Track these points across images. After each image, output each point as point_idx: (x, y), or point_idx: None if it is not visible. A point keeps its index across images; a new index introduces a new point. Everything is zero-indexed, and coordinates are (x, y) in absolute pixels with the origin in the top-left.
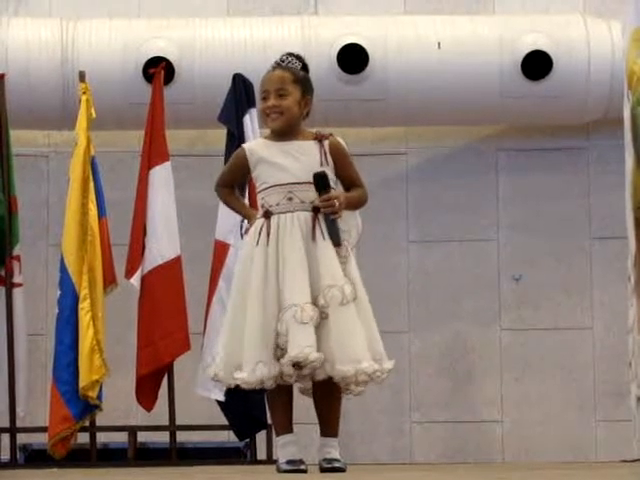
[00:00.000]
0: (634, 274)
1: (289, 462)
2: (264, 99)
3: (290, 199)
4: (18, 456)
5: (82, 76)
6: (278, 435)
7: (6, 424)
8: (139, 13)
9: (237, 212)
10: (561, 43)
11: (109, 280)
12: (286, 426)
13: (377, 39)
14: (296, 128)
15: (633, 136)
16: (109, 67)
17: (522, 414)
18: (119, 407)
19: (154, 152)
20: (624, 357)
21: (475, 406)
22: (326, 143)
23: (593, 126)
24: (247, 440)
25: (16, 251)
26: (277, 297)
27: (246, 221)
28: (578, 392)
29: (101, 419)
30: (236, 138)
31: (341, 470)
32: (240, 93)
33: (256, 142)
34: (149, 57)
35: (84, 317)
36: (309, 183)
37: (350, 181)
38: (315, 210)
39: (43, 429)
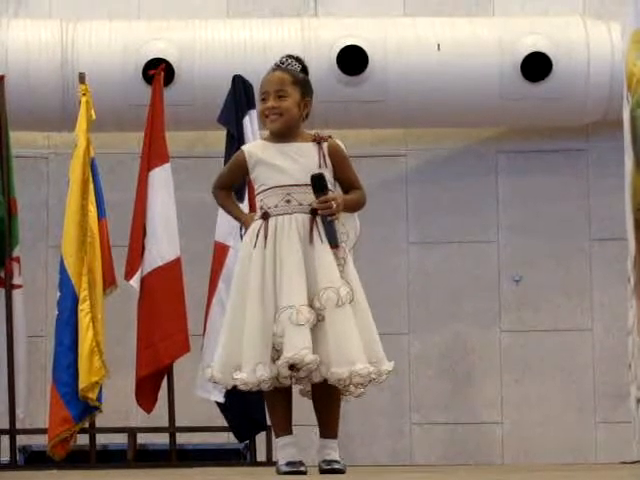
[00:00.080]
0: (634, 275)
1: (289, 464)
2: (263, 100)
3: (288, 201)
4: (18, 458)
5: (82, 78)
6: (277, 437)
7: (6, 425)
8: (139, 14)
9: (232, 216)
10: (561, 45)
11: (109, 281)
12: (285, 428)
13: (377, 41)
14: (295, 130)
15: (632, 138)
16: (109, 68)
17: (522, 416)
18: (119, 409)
19: (154, 153)
20: (624, 359)
21: (475, 408)
22: (325, 145)
23: (592, 128)
24: (247, 442)
25: (16, 253)
26: (274, 299)
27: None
28: (578, 394)
29: (101, 420)
30: (236, 139)
31: (341, 472)
32: (240, 94)
33: (255, 144)
34: (149, 58)
35: (84, 318)
36: (307, 185)
37: (349, 183)
38: (313, 212)
39: (43, 431)
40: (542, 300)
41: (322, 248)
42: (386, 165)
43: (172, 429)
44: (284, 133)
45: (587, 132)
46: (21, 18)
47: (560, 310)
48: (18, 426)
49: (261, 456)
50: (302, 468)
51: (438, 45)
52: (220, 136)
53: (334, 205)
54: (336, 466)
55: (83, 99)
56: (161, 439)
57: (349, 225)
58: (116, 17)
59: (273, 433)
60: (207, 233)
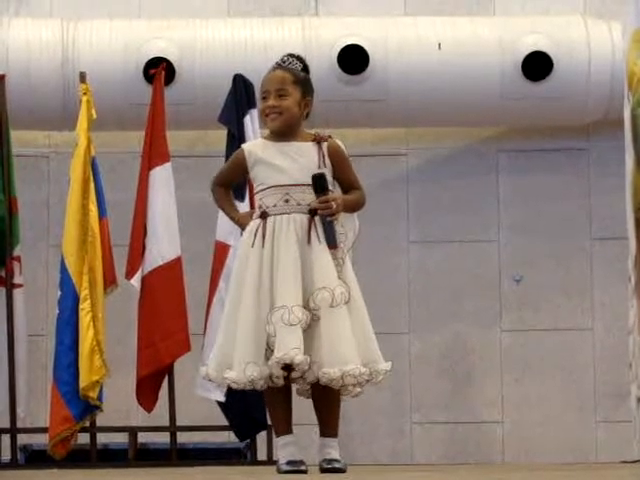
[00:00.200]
0: (634, 275)
1: (289, 463)
2: (264, 99)
3: (287, 201)
4: (18, 457)
5: (83, 77)
6: (278, 436)
7: (6, 425)
8: (140, 14)
9: (225, 213)
10: (561, 44)
11: (109, 281)
12: (286, 427)
13: (377, 40)
14: (295, 129)
15: (633, 137)
16: (110, 68)
17: (522, 415)
18: (119, 408)
19: (154, 153)
20: (624, 358)
21: (475, 407)
22: (324, 145)
23: (593, 127)
24: (247, 441)
25: (16, 252)
26: (270, 299)
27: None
28: (578, 393)
29: (101, 420)
30: (236, 139)
31: (341, 471)
32: (240, 94)
33: (255, 143)
34: (149, 58)
35: (84, 318)
36: (306, 185)
37: (348, 184)
38: (312, 212)
39: (43, 430)
40: (543, 299)
41: (320, 248)
42: (387, 164)
43: (173, 428)
44: (284, 132)
45: (588, 131)
46: (22, 17)
47: (561, 309)
48: (19, 425)
49: (262, 455)
50: (303, 467)
51: (439, 44)
52: (221, 135)
53: (334, 205)
54: (337, 465)
55: (84, 98)
56: (162, 438)
57: (348, 225)
58: (117, 16)
59: (273, 432)
60: (208, 232)
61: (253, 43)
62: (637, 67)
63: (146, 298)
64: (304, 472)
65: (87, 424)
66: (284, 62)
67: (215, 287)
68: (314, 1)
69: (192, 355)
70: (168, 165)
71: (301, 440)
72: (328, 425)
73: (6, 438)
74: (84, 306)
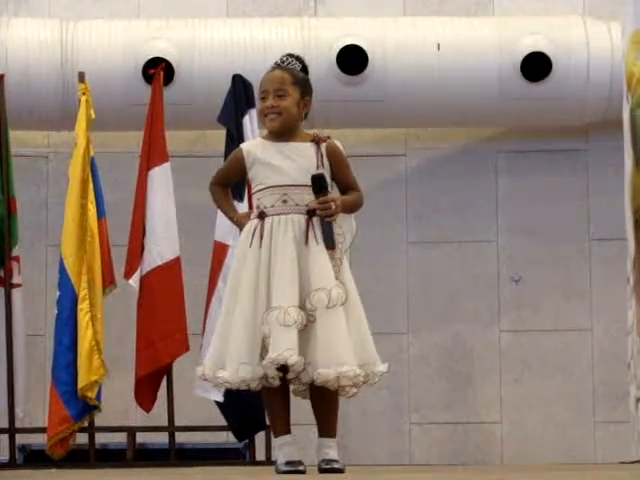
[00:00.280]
0: (633, 276)
1: (288, 463)
2: (263, 99)
3: (285, 201)
4: (17, 456)
5: (82, 77)
6: (276, 436)
7: (5, 424)
8: (139, 14)
9: (224, 213)
10: (560, 45)
11: (108, 281)
12: (284, 427)
13: (377, 40)
14: (294, 129)
15: (632, 138)
16: (109, 68)
17: (521, 415)
18: (118, 408)
19: (153, 153)
20: (623, 359)
21: (474, 407)
22: (323, 146)
23: (592, 128)
24: (246, 441)
25: (15, 252)
26: (266, 299)
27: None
28: (577, 393)
29: (100, 420)
30: (235, 139)
31: (340, 471)
32: (240, 94)
33: (254, 142)
34: (149, 58)
35: (83, 318)
36: (304, 186)
37: (346, 184)
38: (309, 213)
39: (42, 430)
40: (541, 300)
41: (317, 249)
42: (386, 165)
43: (171, 428)
44: (283, 132)
45: (587, 132)
46: (21, 17)
47: (559, 310)
48: (17, 425)
49: (260, 455)
50: (301, 467)
51: (438, 45)
52: (220, 135)
53: (333, 206)
54: (335, 465)
55: (83, 98)
56: (160, 438)
57: (346, 226)
58: (116, 16)
59: (272, 432)
60: (207, 232)
61: (252, 43)
62: (636, 68)
63: (145, 298)
64: (302, 472)
65: (86, 424)
66: (283, 62)
67: (214, 287)
68: (313, 1)
69: (191, 355)
70: (167, 165)
71: (299, 440)
72: (326, 425)
73: (5, 438)
74: (83, 306)
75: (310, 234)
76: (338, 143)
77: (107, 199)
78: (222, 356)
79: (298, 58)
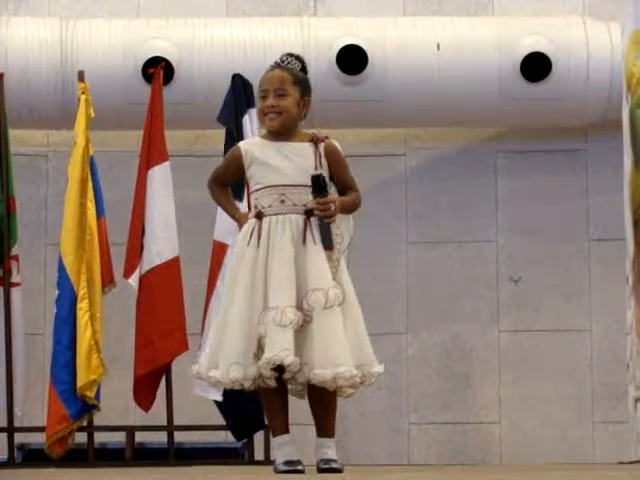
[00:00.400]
0: (632, 276)
1: (286, 462)
2: (263, 98)
3: (282, 201)
4: (16, 455)
5: (81, 76)
6: (275, 436)
7: (4, 423)
8: (139, 13)
9: (226, 211)
10: (560, 45)
11: (107, 280)
12: (282, 427)
13: (376, 40)
14: (293, 129)
15: (632, 138)
16: (108, 67)
17: (520, 415)
18: (117, 407)
19: (153, 152)
20: (622, 359)
21: (473, 408)
22: (321, 146)
23: (592, 128)
24: (245, 440)
25: (14, 251)
26: (263, 299)
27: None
28: (576, 394)
29: (99, 419)
30: (235, 138)
31: (338, 471)
32: (239, 93)
33: (252, 141)
34: (148, 57)
35: (82, 317)
36: (302, 186)
37: (344, 184)
38: (307, 213)
39: (41, 429)
40: (541, 300)
41: (315, 249)
42: (385, 164)
43: (170, 428)
44: (282, 132)
45: (586, 132)
46: (21, 16)
47: (559, 310)
48: (16, 424)
49: (259, 455)
50: (300, 467)
51: (438, 45)
52: (219, 135)
53: (332, 207)
54: (334, 465)
55: (82, 97)
56: (159, 438)
57: (344, 227)
58: (116, 15)
59: (270, 432)
60: (206, 232)
61: (252, 43)
62: (636, 68)
63: (144, 297)
64: (301, 472)
65: (84, 423)
66: (283, 62)
67: (213, 286)
68: (313, 1)
69: (190, 354)
70: (166, 164)
71: (298, 440)
72: (325, 425)
73: (3, 437)
74: (82, 305)
75: (308, 234)
76: (336, 143)
77: (106, 198)
78: (216, 355)
79: (298, 58)
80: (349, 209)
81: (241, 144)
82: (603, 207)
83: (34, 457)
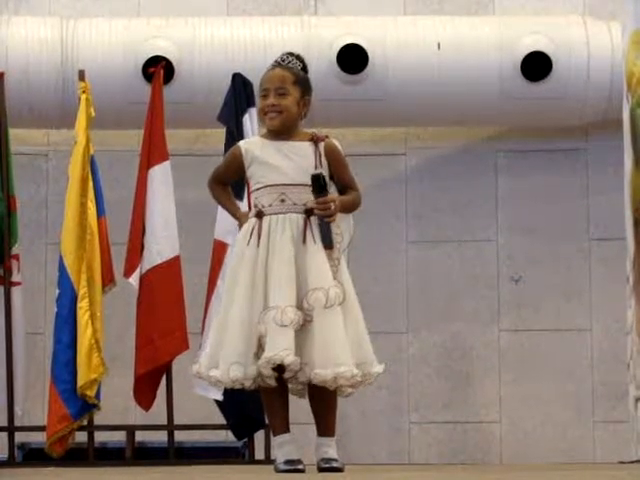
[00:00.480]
0: (632, 275)
1: (287, 462)
2: (264, 97)
3: (283, 200)
4: (16, 455)
5: (82, 75)
6: (275, 435)
7: (4, 423)
8: (139, 12)
9: (227, 210)
10: (561, 44)
11: (108, 279)
12: (283, 426)
13: (377, 39)
14: (293, 128)
15: (632, 137)
16: (109, 66)
17: (520, 415)
18: (117, 406)
19: (153, 151)
20: (622, 358)
21: (473, 407)
22: (321, 145)
23: (592, 127)
24: (245, 440)
25: (15, 250)
26: (263, 299)
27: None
28: (576, 393)
29: (99, 418)
30: (235, 138)
31: (339, 470)
32: (240, 93)
33: (252, 141)
34: (149, 56)
35: (83, 316)
36: (302, 185)
37: (344, 184)
38: (307, 212)
39: (41, 428)
40: (541, 300)
41: (315, 249)
42: (386, 164)
43: (170, 427)
44: (282, 131)
45: (587, 132)
46: (21, 15)
47: (559, 310)
48: (16, 423)
49: (259, 454)
50: (300, 466)
51: (438, 44)
52: (220, 134)
53: (332, 207)
54: (334, 464)
55: (83, 96)
56: (159, 437)
57: (344, 226)
58: (116, 15)
59: (271, 431)
60: (206, 231)
61: (252, 42)
62: (636, 67)
63: (144, 296)
64: (302, 471)
65: (85, 422)
66: (283, 61)
67: (213, 286)
68: (313, 0)
69: (190, 354)
70: (167, 164)
71: (298, 439)
72: (325, 424)
73: (3, 436)
74: (82, 304)
75: (308, 233)
76: (336, 142)
77: (107, 197)
78: (216, 355)
79: (298, 57)
80: (349, 208)
81: (241, 143)
82: (603, 206)
83: (34, 456)
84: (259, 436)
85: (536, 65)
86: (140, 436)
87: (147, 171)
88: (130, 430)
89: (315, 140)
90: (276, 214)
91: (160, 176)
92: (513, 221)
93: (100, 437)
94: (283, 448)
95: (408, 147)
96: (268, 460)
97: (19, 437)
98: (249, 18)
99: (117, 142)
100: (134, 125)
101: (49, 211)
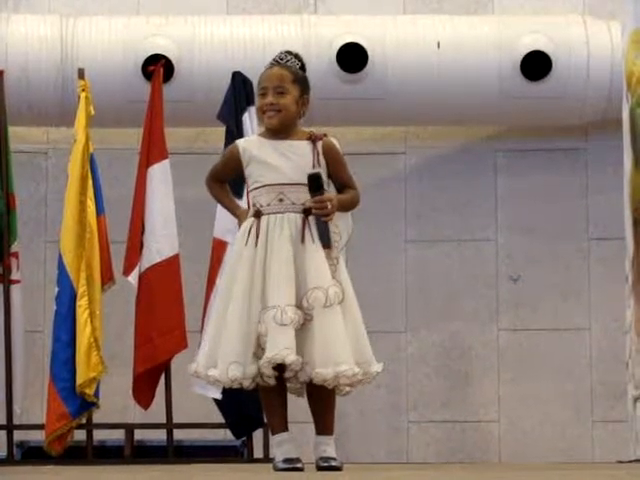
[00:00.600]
0: (631, 275)
1: (286, 460)
2: (262, 96)
3: (281, 200)
4: (15, 453)
5: (81, 73)
6: (274, 434)
7: (3, 421)
8: (139, 10)
9: (226, 208)
10: (560, 44)
11: (107, 277)
12: (281, 425)
13: (376, 38)
14: (291, 127)
15: (632, 137)
16: (108, 64)
17: (519, 414)
18: (116, 405)
19: (153, 150)
20: (621, 358)
21: (472, 406)
22: (319, 144)
23: (592, 127)
24: (244, 438)
25: (14, 248)
26: (261, 298)
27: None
28: (575, 393)
29: (98, 416)
30: (235, 136)
31: (337, 469)
32: (239, 91)
33: (250, 139)
34: (148, 54)
35: (82, 314)
36: (301, 184)
37: (342, 182)
38: (306, 212)
39: (40, 426)
40: (540, 299)
41: (313, 248)
42: (385, 163)
43: (169, 425)
44: (280, 130)
45: (586, 131)
46: (21, 13)
47: (558, 309)
48: (15, 421)
49: (258, 453)
50: (299, 465)
51: (438, 43)
52: (219, 132)
53: (329, 205)
54: (333, 463)
55: (82, 94)
56: (158, 435)
57: (342, 225)
58: (116, 13)
59: (269, 430)
60: (206, 229)
61: (252, 41)
62: (636, 67)
63: (143, 295)
64: (300, 470)
65: (84, 421)
66: (282, 59)
67: (212, 284)
68: None
69: (189, 352)
70: (166, 162)
71: (297, 438)
72: (324, 423)
73: (2, 434)
74: (81, 303)
75: (306, 233)
76: (334, 141)
77: (106, 196)
78: (214, 354)
79: (297, 56)
80: (347, 207)
81: (239, 142)
82: (603, 206)
83: (33, 454)
84: (258, 435)
85: (536, 64)
86: (139, 434)
87: (146, 169)
88: (129, 428)
89: (313, 139)
90: (274, 214)
91: (159, 174)
92: (512, 220)
93: (99, 435)
94: (282, 447)
95: (407, 146)
96: (267, 459)
97: (18, 435)
98: (249, 17)
99: (117, 140)
100: (134, 123)
101: (48, 209)
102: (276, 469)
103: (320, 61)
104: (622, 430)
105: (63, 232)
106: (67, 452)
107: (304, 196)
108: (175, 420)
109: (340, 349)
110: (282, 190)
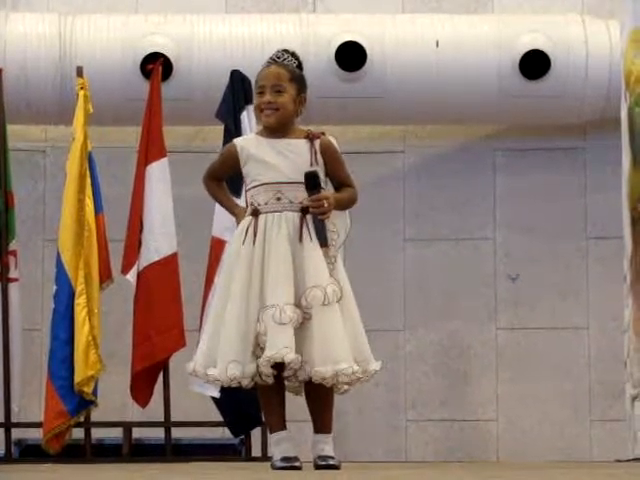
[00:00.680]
0: (630, 274)
1: (284, 459)
2: (260, 94)
3: (279, 199)
4: (13, 451)
5: (80, 71)
6: (272, 432)
7: (1, 419)
8: (137, 9)
9: (224, 206)
10: (559, 43)
11: (105, 276)
12: (279, 423)
13: (375, 37)
14: (289, 126)
15: (630, 136)
16: (107, 62)
17: (517, 413)
18: (114, 403)
19: (151, 148)
20: (620, 357)
21: (470, 405)
22: (317, 142)
23: (590, 126)
24: (242, 437)
25: (12, 246)
26: (260, 297)
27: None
28: (573, 391)
29: (96, 415)
30: (233, 134)
31: (335, 467)
32: (238, 90)
33: (248, 138)
34: (147, 53)
35: (80, 312)
36: (298, 183)
37: (340, 181)
38: (303, 210)
39: (38, 424)
40: (538, 298)
41: (311, 247)
42: (384, 162)
43: (167, 424)
44: (278, 129)
45: (585, 130)
46: (20, 11)
47: (556, 308)
48: (13, 420)
49: (256, 451)
50: (297, 463)
51: (437, 42)
52: (218, 131)
53: (326, 204)
54: (331, 462)
55: (81, 93)
56: (156, 434)
57: (340, 224)
58: (114, 11)
59: (267, 429)
60: (204, 228)
61: (251, 39)
62: (634, 66)
63: (142, 293)
64: (298, 468)
65: (82, 419)
66: (279, 58)
67: (211, 283)
68: None
69: (187, 351)
70: (165, 161)
71: (295, 437)
72: (322, 422)
73: (0, 432)
74: (80, 301)
75: (304, 231)
76: (332, 139)
77: (105, 194)
78: (213, 353)
79: (294, 54)
80: (344, 205)
81: (236, 141)
82: (601, 205)
83: (31, 453)
84: (256, 433)
85: (534, 63)
86: (137, 433)
87: (145, 168)
88: (127, 427)
89: (311, 137)
90: (272, 212)
91: (158, 173)
92: (511, 219)
93: (97, 434)
94: (280, 445)
95: (406, 145)
96: (265, 457)
97: (16, 433)
98: (247, 15)
99: (115, 139)
100: (132, 122)
101: (47, 207)
102: (274, 468)
103: (319, 60)
104: (620, 429)
105: (61, 230)
106: (65, 450)
107: (302, 195)
108: (173, 418)
109: (339, 347)
110: (280, 189)
